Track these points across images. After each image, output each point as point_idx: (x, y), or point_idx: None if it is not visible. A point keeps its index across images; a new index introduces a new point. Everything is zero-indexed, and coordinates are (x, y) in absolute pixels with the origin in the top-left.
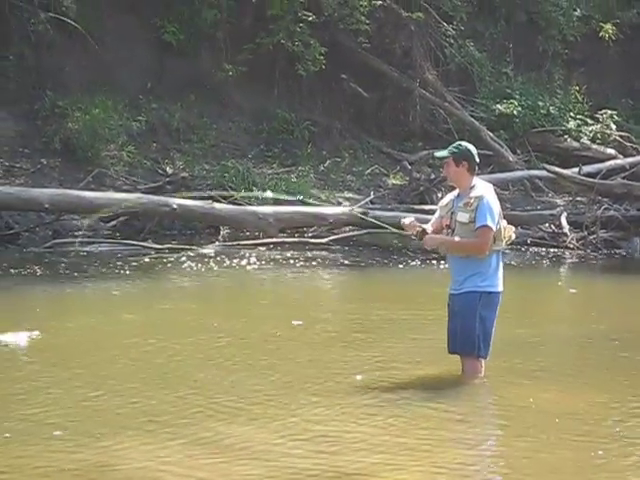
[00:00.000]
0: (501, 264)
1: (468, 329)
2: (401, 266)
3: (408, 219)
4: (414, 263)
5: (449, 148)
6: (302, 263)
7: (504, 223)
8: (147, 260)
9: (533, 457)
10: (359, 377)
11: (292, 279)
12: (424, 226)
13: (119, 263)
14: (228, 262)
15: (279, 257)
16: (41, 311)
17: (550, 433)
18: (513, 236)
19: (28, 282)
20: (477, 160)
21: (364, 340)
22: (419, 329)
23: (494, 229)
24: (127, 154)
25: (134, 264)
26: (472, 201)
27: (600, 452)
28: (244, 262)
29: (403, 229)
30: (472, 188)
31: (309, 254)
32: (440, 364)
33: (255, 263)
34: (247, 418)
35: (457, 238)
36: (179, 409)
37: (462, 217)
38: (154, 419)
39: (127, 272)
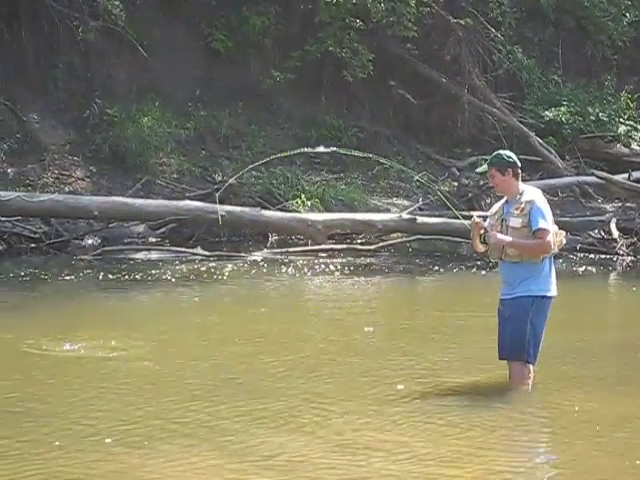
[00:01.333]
0: (553, 268)
1: (518, 334)
2: (451, 272)
3: (478, 216)
4: (464, 269)
5: (489, 160)
6: (351, 270)
7: (555, 228)
8: (203, 268)
9: (582, 464)
10: (400, 386)
11: (343, 286)
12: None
13: (178, 269)
14: (280, 269)
15: (329, 264)
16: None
17: (599, 440)
18: (564, 241)
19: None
20: (519, 165)
21: (416, 347)
22: (471, 336)
23: (550, 230)
24: (176, 161)
25: (190, 270)
26: (524, 206)
27: None
28: (295, 269)
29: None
30: (521, 194)
31: (358, 261)
32: (490, 371)
33: (307, 270)
34: (288, 426)
35: (522, 240)
36: (229, 416)
37: (515, 222)
38: (203, 425)
39: (183, 279)
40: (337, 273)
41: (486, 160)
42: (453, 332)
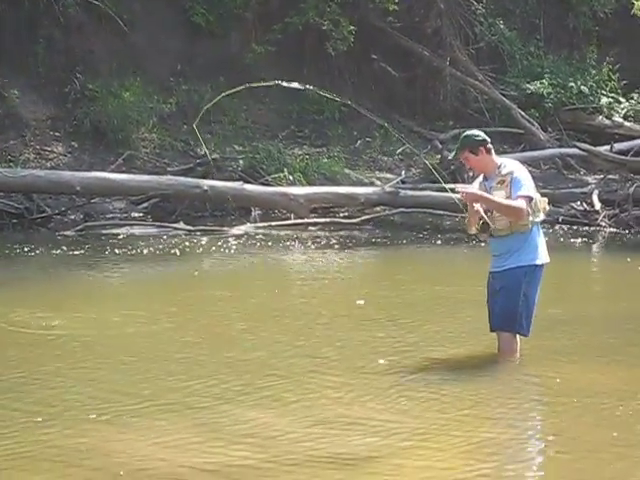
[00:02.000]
0: (542, 236)
1: (511, 305)
2: (435, 245)
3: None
4: (448, 242)
5: (459, 144)
6: (335, 243)
7: (538, 196)
8: (186, 242)
9: (567, 435)
10: (382, 360)
11: (328, 260)
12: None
13: (160, 244)
14: (263, 243)
15: (312, 238)
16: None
17: (585, 411)
18: (547, 207)
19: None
20: (489, 139)
21: (402, 320)
22: (457, 308)
23: (533, 196)
24: (157, 136)
25: (172, 245)
26: (505, 178)
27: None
28: (279, 243)
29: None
30: (500, 167)
31: (341, 234)
32: (478, 343)
33: (292, 244)
34: (261, 401)
35: (493, 197)
36: (202, 391)
37: (499, 195)
38: (182, 402)
39: (166, 253)
40: (320, 247)
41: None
42: (440, 305)
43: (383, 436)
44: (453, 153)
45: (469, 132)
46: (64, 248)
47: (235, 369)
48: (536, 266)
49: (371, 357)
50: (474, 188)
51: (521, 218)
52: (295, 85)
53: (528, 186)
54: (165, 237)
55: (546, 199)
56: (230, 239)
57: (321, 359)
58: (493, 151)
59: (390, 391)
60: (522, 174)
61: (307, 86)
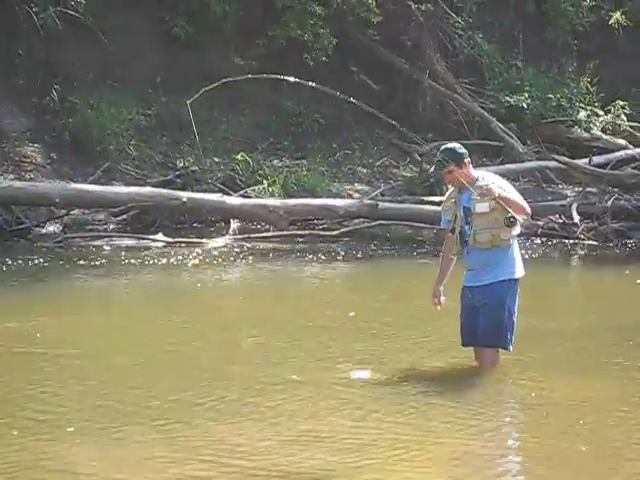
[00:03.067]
0: (518, 249)
1: (497, 321)
2: (413, 258)
3: None
4: (424, 254)
5: (441, 158)
6: (312, 256)
7: None
8: (165, 254)
9: (547, 446)
10: (359, 373)
11: (300, 272)
12: None
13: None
14: (241, 255)
15: (287, 250)
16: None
17: (568, 422)
18: (522, 220)
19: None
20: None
21: (381, 332)
22: (434, 321)
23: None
24: (136, 148)
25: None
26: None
27: (615, 441)
28: (260, 255)
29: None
30: (477, 180)
31: (320, 246)
32: (455, 356)
33: (268, 256)
34: (233, 415)
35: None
36: (170, 404)
37: (482, 207)
38: (151, 412)
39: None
40: (299, 259)
41: (437, 161)
42: (417, 317)
43: (361, 450)
44: (435, 166)
45: (450, 145)
46: (41, 260)
47: (210, 383)
48: (515, 280)
49: (347, 370)
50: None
51: (528, 214)
52: (302, 82)
53: (515, 192)
54: (143, 249)
55: (529, 208)
56: (209, 251)
57: (297, 371)
58: (470, 164)
59: (368, 404)
60: (503, 183)
61: (311, 84)
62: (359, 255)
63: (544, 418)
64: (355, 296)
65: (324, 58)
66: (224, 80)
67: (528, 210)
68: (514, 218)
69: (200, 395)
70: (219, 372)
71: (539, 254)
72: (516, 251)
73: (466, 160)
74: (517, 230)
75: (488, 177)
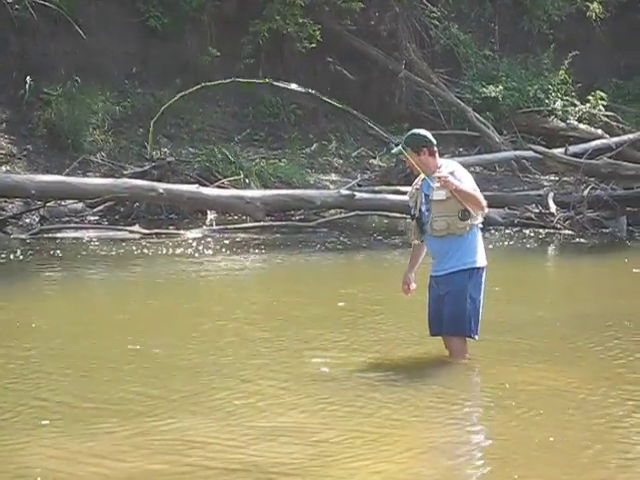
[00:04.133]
0: (481, 239)
1: (459, 310)
2: (390, 247)
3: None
4: (401, 245)
5: (403, 141)
6: (291, 246)
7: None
8: (141, 246)
9: (520, 435)
10: (324, 369)
11: (280, 263)
12: None
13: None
14: (218, 246)
15: (265, 240)
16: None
17: (537, 411)
18: (486, 210)
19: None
20: (434, 142)
21: (353, 323)
22: (407, 311)
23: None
24: (113, 139)
25: (127, 248)
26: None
27: (588, 430)
28: (234, 247)
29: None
30: (440, 168)
31: (297, 237)
32: (426, 346)
33: (245, 247)
34: (201, 408)
35: (465, 187)
36: (134, 398)
37: (439, 195)
38: (113, 407)
39: (119, 257)
40: (276, 250)
41: (398, 143)
42: (391, 307)
43: (328, 444)
44: (396, 148)
45: (417, 131)
46: (17, 252)
47: (181, 375)
48: (478, 268)
49: (317, 361)
50: (450, 175)
51: (483, 209)
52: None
53: (472, 182)
54: (120, 240)
55: (485, 202)
56: (186, 242)
57: (269, 364)
58: (437, 154)
59: (333, 395)
60: (463, 173)
61: (310, 90)
62: (336, 245)
63: (514, 408)
64: (344, 285)
65: (312, 46)
66: (223, 81)
67: (483, 204)
68: (468, 212)
69: (170, 389)
70: (193, 365)
71: (515, 244)
72: (477, 240)
73: (425, 149)
74: (477, 219)
75: (450, 166)
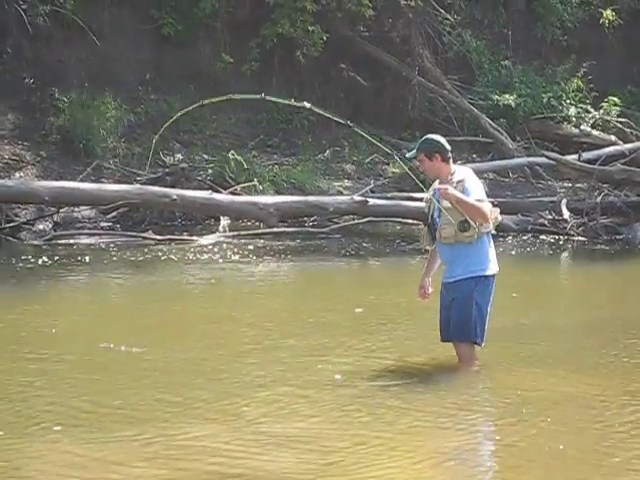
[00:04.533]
0: (492, 246)
1: (465, 316)
2: (403, 254)
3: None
4: (414, 251)
5: (418, 145)
6: (305, 253)
7: (489, 206)
8: (155, 251)
9: (531, 443)
10: (338, 376)
11: (294, 269)
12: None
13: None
14: (233, 252)
15: (279, 246)
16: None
17: (549, 418)
18: (499, 218)
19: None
20: (449, 148)
21: (365, 329)
22: (419, 317)
23: (486, 200)
24: (126, 146)
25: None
26: (455, 185)
27: (603, 438)
28: (252, 253)
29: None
30: (452, 175)
31: (310, 243)
32: (438, 353)
33: (259, 253)
34: (208, 415)
35: (467, 197)
36: (148, 404)
37: (446, 203)
38: (117, 413)
39: (134, 263)
40: (290, 256)
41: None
42: (401, 313)
43: (339, 448)
44: (411, 152)
45: (431, 136)
46: (30, 257)
47: (197, 381)
48: (486, 277)
49: (333, 368)
50: (451, 187)
51: (485, 219)
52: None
53: (480, 191)
54: (133, 246)
55: (498, 209)
56: (199, 248)
57: (280, 369)
58: (451, 160)
59: (347, 402)
60: (473, 182)
61: (306, 104)
62: (349, 252)
63: (528, 415)
64: (358, 291)
65: (315, 54)
66: (231, 96)
67: (487, 216)
68: (467, 223)
69: (185, 395)
70: (210, 371)
71: (529, 250)
72: (486, 247)
73: (438, 154)
74: (486, 227)
75: (461, 173)
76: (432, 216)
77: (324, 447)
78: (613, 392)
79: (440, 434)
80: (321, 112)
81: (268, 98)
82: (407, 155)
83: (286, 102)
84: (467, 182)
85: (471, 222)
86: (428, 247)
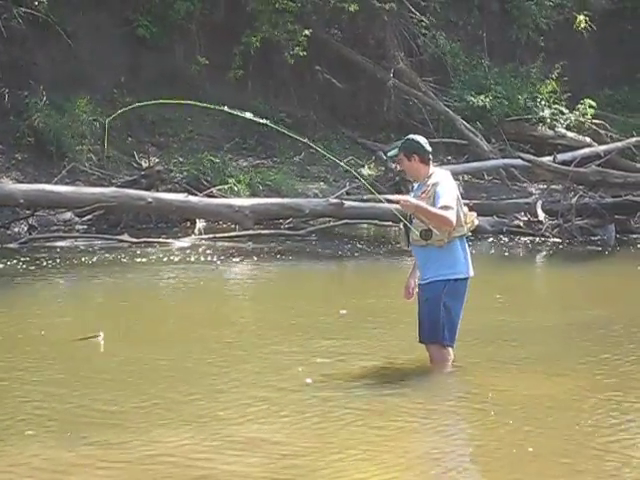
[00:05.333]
0: (467, 250)
1: (434, 317)
2: (378, 256)
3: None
4: (389, 253)
5: (398, 145)
6: (280, 255)
7: (465, 209)
8: (130, 254)
9: (506, 444)
10: (309, 380)
11: (270, 272)
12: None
13: (104, 256)
14: (207, 255)
15: (254, 249)
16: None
17: (521, 419)
18: (476, 222)
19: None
20: (428, 149)
21: (336, 331)
22: (393, 320)
23: (454, 207)
24: (101, 148)
25: (115, 257)
26: (429, 188)
27: (575, 438)
28: (224, 255)
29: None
30: (429, 177)
31: (285, 246)
32: (412, 354)
33: (237, 256)
34: (175, 419)
35: (428, 206)
36: (115, 407)
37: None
38: (85, 416)
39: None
40: (265, 258)
41: (392, 147)
42: (377, 316)
43: (315, 452)
44: (392, 151)
45: (412, 136)
46: (4, 260)
47: (160, 384)
48: (455, 280)
49: (300, 370)
50: (410, 197)
51: (447, 225)
52: (249, 116)
53: (449, 197)
54: (108, 249)
55: (474, 213)
56: (175, 251)
57: (255, 372)
58: (429, 162)
59: (317, 405)
60: (445, 186)
61: (264, 120)
62: (324, 254)
63: (496, 418)
64: (341, 293)
65: (301, 53)
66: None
67: (451, 224)
68: (430, 232)
69: (150, 400)
70: (176, 375)
71: (504, 252)
72: (458, 251)
73: (416, 155)
74: (459, 231)
75: (437, 175)
76: (410, 217)
77: (290, 450)
78: (589, 394)
79: (410, 437)
80: (276, 128)
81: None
82: (388, 154)
83: (232, 112)
84: (440, 186)
85: (434, 230)
86: (406, 248)
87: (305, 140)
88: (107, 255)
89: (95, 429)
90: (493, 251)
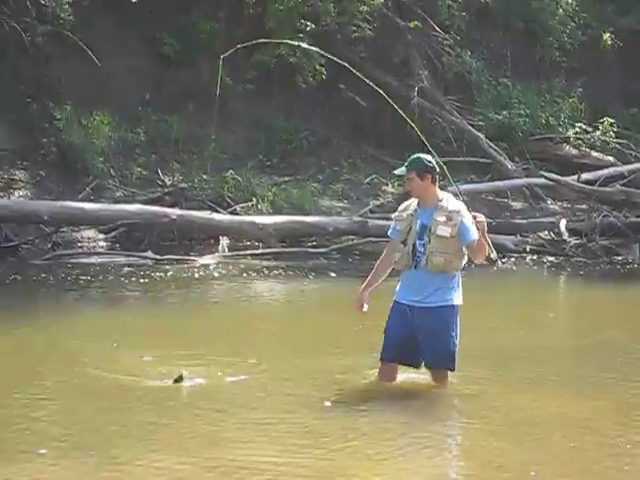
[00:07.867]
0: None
1: (447, 345)
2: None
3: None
4: None
5: (408, 163)
6: (304, 273)
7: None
8: (154, 271)
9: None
10: (328, 403)
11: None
12: None
13: (127, 273)
14: (233, 272)
15: (278, 266)
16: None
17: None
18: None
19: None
20: (438, 170)
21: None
22: None
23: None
24: (126, 166)
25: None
26: (452, 215)
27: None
28: (247, 273)
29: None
30: (441, 200)
31: (309, 264)
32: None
33: (265, 273)
34: (168, 440)
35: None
36: (117, 427)
37: (443, 231)
38: (76, 437)
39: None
40: (289, 276)
41: (405, 163)
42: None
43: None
44: (400, 169)
45: (423, 155)
46: (31, 277)
47: (154, 404)
48: (459, 306)
49: (308, 388)
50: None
51: (482, 260)
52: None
53: (475, 230)
54: (132, 266)
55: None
56: (198, 268)
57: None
58: (437, 183)
59: (327, 424)
60: (468, 217)
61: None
62: (348, 272)
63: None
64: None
65: (311, 78)
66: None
67: (486, 254)
68: (459, 261)
69: (133, 421)
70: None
71: (527, 271)
72: (459, 278)
73: (429, 175)
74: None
75: (454, 202)
76: (419, 238)
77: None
78: (600, 415)
79: (403, 459)
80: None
81: None
82: (396, 172)
83: None
84: (465, 218)
85: (459, 260)
86: (399, 268)
87: None
88: (129, 272)
89: (78, 450)
90: (515, 270)
